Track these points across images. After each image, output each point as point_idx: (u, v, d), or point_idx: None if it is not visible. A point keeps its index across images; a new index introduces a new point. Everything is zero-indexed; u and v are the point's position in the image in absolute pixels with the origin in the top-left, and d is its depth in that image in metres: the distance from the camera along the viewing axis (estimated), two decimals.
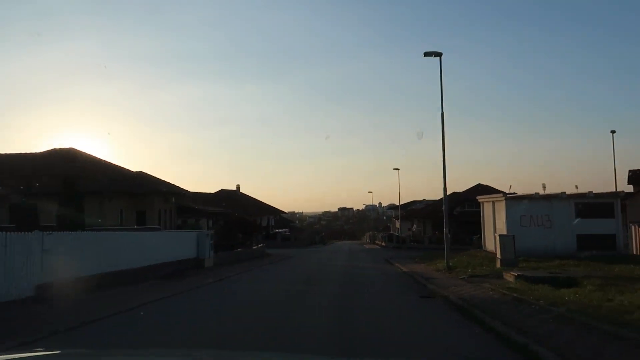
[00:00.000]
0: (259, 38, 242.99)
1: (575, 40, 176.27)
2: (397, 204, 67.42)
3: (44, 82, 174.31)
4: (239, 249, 30.20)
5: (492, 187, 56.85)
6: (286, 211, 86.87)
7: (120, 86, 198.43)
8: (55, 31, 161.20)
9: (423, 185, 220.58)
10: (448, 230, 22.36)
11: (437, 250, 37.32)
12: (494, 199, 28.88)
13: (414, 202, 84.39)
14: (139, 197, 25.95)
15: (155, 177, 28.82)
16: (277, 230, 71.08)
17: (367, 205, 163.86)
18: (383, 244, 59.56)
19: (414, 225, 61.78)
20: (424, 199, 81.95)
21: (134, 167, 36.36)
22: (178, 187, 29.33)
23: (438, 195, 38.77)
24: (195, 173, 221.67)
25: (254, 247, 33.07)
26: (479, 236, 45.69)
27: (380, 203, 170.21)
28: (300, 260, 31.36)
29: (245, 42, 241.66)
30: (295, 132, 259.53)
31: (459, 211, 52.68)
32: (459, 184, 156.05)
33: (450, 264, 20.80)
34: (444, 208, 22.37)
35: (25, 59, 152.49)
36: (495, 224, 27.49)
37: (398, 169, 59.52)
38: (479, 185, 58.16)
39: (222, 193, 67.84)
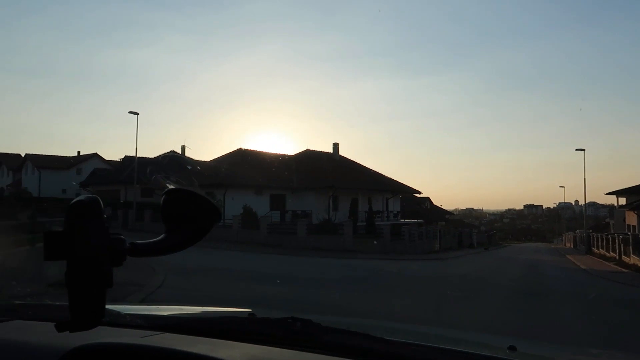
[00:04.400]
0: (425, 31, 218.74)
1: None
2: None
3: (241, 85, 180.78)
4: None
5: None
6: (463, 207, 60.41)
7: (302, 84, 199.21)
8: (248, 39, 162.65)
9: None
10: None
11: None
12: None
13: None
14: None
15: None
16: (404, 220, 42.07)
17: (560, 203, 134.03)
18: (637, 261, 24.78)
19: None
20: None
21: None
22: None
23: None
24: None
25: None
26: None
27: (577, 201, 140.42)
28: None
29: (410, 36, 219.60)
30: (471, 124, 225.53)
31: None
32: None
33: None
34: None
35: (227, 65, 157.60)
36: None
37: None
38: None
39: (306, 154, 41.31)
